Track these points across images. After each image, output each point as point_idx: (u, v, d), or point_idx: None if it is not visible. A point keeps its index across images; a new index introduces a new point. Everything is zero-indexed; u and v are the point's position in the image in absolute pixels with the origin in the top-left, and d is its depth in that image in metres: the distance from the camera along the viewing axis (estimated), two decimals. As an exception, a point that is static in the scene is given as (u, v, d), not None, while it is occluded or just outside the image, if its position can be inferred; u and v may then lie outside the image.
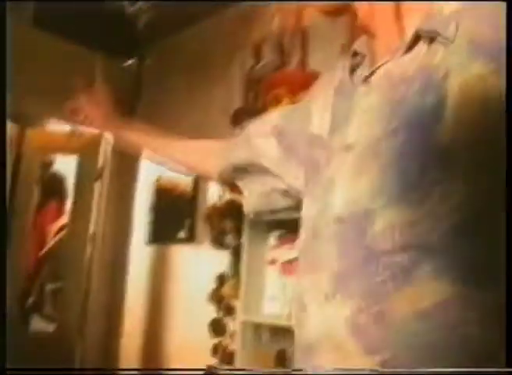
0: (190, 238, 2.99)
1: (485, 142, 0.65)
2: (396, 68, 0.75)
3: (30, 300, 4.11)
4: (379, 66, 0.79)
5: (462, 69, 0.68)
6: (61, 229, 4.13)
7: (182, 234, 3.05)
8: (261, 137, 1.08)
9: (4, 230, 1.24)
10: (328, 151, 0.84)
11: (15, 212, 3.65)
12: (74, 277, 3.64)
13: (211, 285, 2.72)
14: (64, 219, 4.12)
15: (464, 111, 0.66)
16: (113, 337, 3.43)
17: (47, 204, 4.25)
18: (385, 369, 0.67)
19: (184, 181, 3.11)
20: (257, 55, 2.77)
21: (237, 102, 2.84)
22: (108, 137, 3.67)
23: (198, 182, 3.02)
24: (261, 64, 2.72)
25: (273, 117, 1.10)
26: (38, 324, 4.06)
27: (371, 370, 0.68)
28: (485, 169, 0.65)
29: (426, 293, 0.65)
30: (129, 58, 3.69)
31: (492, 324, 0.64)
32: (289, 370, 0.74)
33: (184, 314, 2.98)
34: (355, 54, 0.88)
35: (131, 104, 3.61)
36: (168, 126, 3.33)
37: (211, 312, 2.71)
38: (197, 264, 2.94)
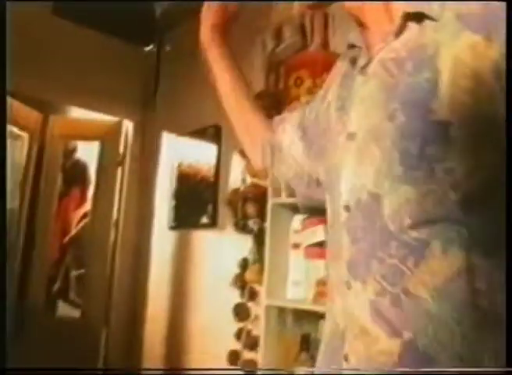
0: (213, 223, 2.99)
1: (481, 113, 0.66)
2: (390, 54, 0.77)
3: (56, 286, 4.17)
4: (374, 55, 0.80)
5: (451, 43, 0.70)
6: (84, 216, 4.16)
7: (204, 219, 3.05)
8: (288, 130, 1.10)
9: (4, 229, 1.23)
10: (333, 140, 0.87)
11: (39, 200, 3.69)
12: (98, 263, 3.66)
13: (235, 270, 2.71)
14: (87, 206, 4.16)
15: (458, 84, 0.67)
16: (137, 321, 3.46)
17: (70, 191, 4.29)
18: (387, 369, 0.69)
19: (206, 166, 3.10)
20: (278, 37, 2.72)
21: (259, 85, 2.80)
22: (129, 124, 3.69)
23: (220, 167, 3.01)
24: (282, 46, 2.68)
25: (298, 113, 1.12)
26: (64, 310, 4.11)
27: (375, 370, 0.70)
28: (485, 140, 0.66)
29: (441, 267, 0.67)
30: (148, 45, 3.68)
31: (502, 292, 0.66)
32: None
33: (208, 299, 2.98)
34: (352, 46, 0.90)
35: (151, 90, 3.60)
36: (190, 108, 3.34)
37: (234, 296, 2.71)
38: (220, 249, 2.93)
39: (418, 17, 0.75)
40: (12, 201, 3.64)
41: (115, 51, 3.54)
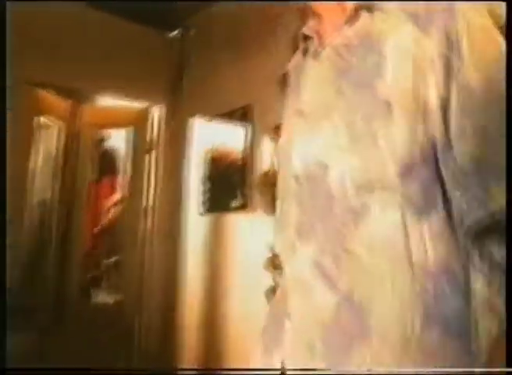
0: (244, 206, 2.98)
1: (418, 94, 0.75)
2: (342, 41, 0.86)
3: (90, 275, 4.21)
4: (327, 43, 0.90)
5: (395, 33, 0.80)
6: (116, 204, 4.20)
7: (235, 203, 3.04)
8: None
9: (4, 228, 1.25)
10: (285, 121, 0.99)
11: (71, 190, 3.73)
12: (131, 250, 3.69)
13: (267, 253, 2.69)
14: (118, 194, 4.19)
15: (399, 68, 0.77)
16: (171, 307, 3.47)
17: (101, 179, 4.33)
18: (386, 369, 0.73)
19: (236, 149, 3.08)
20: (303, 17, 2.68)
21: (284, 66, 2.77)
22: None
23: (250, 149, 2.99)
24: (306, 26, 2.64)
25: None
26: (98, 298, 4.16)
27: (372, 370, 0.74)
28: (419, 117, 0.75)
29: (378, 228, 0.76)
30: (174, 30, 3.67)
31: (431, 248, 0.74)
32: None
33: (241, 282, 2.98)
34: (306, 37, 0.98)
35: (177, 75, 3.60)
36: (217, 92, 3.33)
37: (268, 279, 2.69)
38: (252, 232, 2.92)
39: (369, 9, 0.85)
40: (45, 192, 3.68)
41: (142, 38, 3.54)
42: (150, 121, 3.69)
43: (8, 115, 2.97)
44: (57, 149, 3.61)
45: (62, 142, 3.62)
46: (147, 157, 3.67)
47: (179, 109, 3.63)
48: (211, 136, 3.31)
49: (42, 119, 3.50)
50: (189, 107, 3.57)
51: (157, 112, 3.69)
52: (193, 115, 3.51)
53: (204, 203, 3.31)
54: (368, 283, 0.75)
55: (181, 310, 3.43)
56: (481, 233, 0.71)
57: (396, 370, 0.71)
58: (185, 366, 3.33)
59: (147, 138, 3.69)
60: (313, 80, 0.90)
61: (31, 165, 3.37)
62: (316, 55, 0.91)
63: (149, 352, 3.54)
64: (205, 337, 3.21)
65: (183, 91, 3.62)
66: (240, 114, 3.04)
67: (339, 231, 0.78)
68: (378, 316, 0.74)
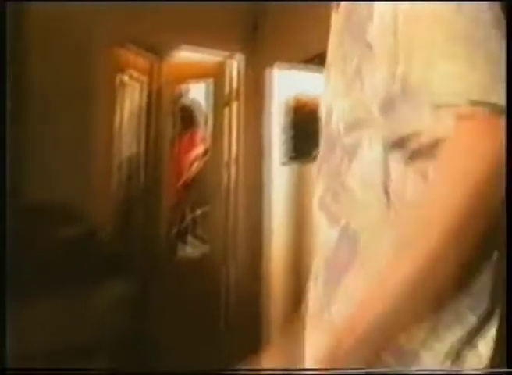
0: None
1: (397, 29, 0.77)
2: None
3: (175, 229, 4.31)
4: None
5: None
6: (198, 157, 4.24)
7: (317, 151, 2.98)
8: None
9: (4, 222, 1.26)
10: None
11: (154, 145, 3.80)
12: (215, 203, 3.73)
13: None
14: (200, 148, 4.23)
15: (385, 7, 0.79)
16: (257, 260, 3.50)
17: (183, 134, 4.38)
18: (387, 369, 0.75)
19: (317, 97, 3.01)
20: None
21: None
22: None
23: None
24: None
25: None
26: (184, 252, 4.27)
27: (371, 370, 0.75)
28: (398, 56, 0.77)
29: (366, 161, 0.81)
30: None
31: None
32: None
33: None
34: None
35: (254, 24, 3.56)
36: (295, 39, 3.26)
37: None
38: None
39: None
40: (129, 149, 3.78)
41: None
42: (228, 72, 3.66)
43: (91, 74, 3.08)
44: (140, 105, 3.68)
45: (145, 98, 3.68)
46: (227, 109, 3.67)
47: (258, 59, 3.58)
48: (291, 84, 3.25)
49: (124, 76, 3.56)
50: (267, 56, 3.51)
51: (235, 63, 3.66)
52: (271, 64, 3.46)
53: (287, 153, 3.28)
54: (358, 214, 0.83)
55: (266, 261, 3.45)
56: None
57: (396, 370, 0.75)
58: (272, 314, 3.37)
59: (227, 90, 3.67)
60: (332, 33, 0.98)
61: (117, 122, 3.45)
62: (336, 8, 0.97)
63: (235, 304, 3.61)
64: (291, 286, 3.23)
65: (260, 40, 3.57)
66: (320, 60, 2.96)
67: (337, 168, 0.85)
68: (364, 245, 0.81)
